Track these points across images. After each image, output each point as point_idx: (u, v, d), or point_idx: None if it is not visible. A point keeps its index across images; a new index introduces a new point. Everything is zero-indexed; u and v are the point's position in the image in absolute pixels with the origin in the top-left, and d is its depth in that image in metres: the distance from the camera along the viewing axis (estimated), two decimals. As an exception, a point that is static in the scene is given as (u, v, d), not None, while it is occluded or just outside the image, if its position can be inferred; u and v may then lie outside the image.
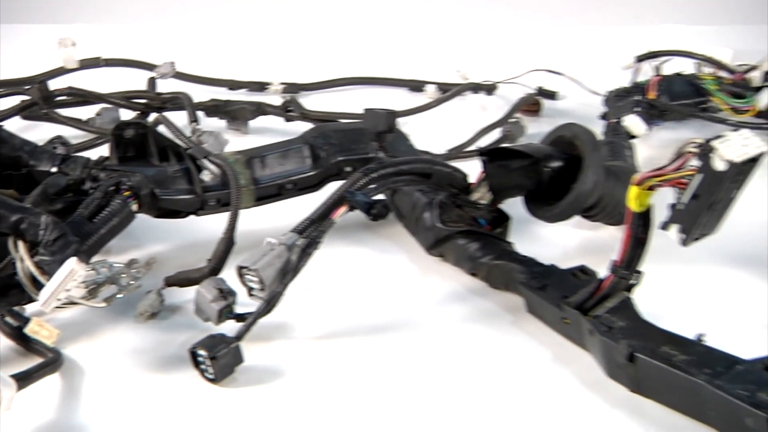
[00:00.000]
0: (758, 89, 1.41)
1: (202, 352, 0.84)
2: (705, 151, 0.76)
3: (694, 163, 0.77)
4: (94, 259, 0.92)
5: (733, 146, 0.75)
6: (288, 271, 0.88)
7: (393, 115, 1.15)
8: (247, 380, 0.86)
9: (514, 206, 1.06)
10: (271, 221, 1.05)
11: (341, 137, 1.13)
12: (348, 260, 1.08)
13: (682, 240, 0.80)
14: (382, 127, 1.13)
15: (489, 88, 1.61)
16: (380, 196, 1.00)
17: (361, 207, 0.92)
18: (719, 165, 0.75)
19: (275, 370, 0.88)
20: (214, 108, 1.46)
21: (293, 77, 1.65)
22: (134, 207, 0.99)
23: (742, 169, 0.76)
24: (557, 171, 1.02)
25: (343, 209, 0.92)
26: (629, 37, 1.59)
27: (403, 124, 1.38)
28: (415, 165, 1.00)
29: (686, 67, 1.47)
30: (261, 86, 1.62)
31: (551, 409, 0.83)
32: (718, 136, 0.76)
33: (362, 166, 1.00)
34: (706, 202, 0.78)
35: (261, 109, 1.46)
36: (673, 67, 1.46)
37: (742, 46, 1.60)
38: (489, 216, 1.04)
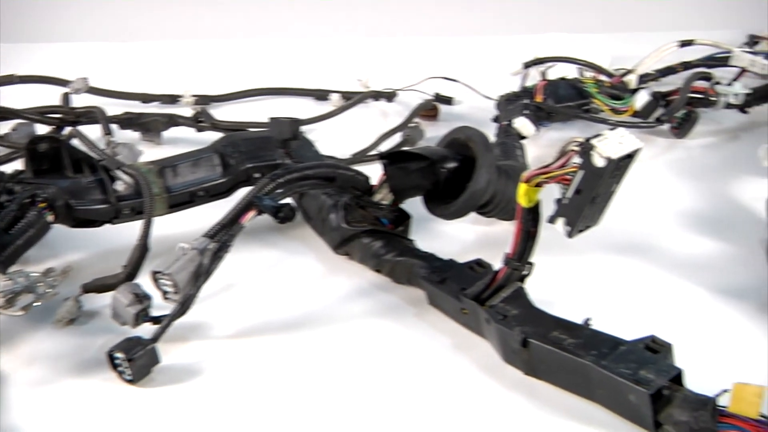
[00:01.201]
0: (634, 91, 1.45)
1: (119, 354, 0.83)
2: (585, 149, 0.77)
3: (576, 160, 0.78)
4: (12, 269, 0.90)
5: (611, 144, 0.76)
6: (200, 274, 0.87)
7: (297, 122, 1.14)
8: (164, 380, 0.85)
9: (414, 206, 1.06)
10: (185, 227, 1.03)
11: (249, 145, 1.12)
12: (259, 261, 1.07)
13: (567, 232, 0.82)
14: (287, 134, 1.12)
15: (389, 96, 1.61)
16: (288, 200, 1.00)
17: (268, 211, 0.91)
18: (598, 162, 0.76)
19: (192, 369, 0.87)
20: (127, 121, 1.43)
21: (204, 90, 1.62)
22: (50, 218, 0.97)
23: (620, 165, 0.77)
24: (453, 171, 1.03)
25: (251, 214, 0.91)
26: (517, 46, 1.61)
27: (310, 131, 1.39)
28: (319, 170, 1.00)
29: (569, 72, 1.49)
30: (173, 99, 1.59)
31: (452, 394, 0.84)
32: (597, 135, 0.77)
33: (270, 172, 0.99)
34: (588, 196, 0.79)
35: (173, 121, 1.44)
36: (557, 72, 1.47)
37: (619, 52, 1.64)
38: (391, 215, 1.04)
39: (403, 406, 0.82)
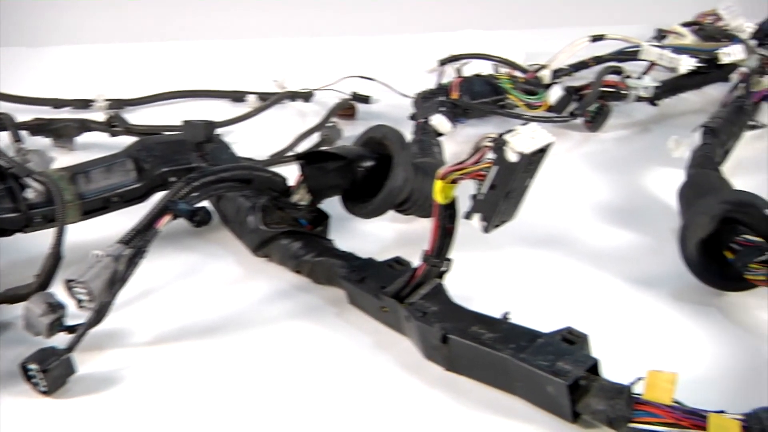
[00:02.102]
0: (548, 86, 1.46)
1: (32, 365, 0.81)
2: (498, 144, 0.77)
3: (490, 156, 0.79)
4: None
5: (523, 139, 0.77)
6: (116, 281, 0.85)
7: (211, 125, 1.13)
8: (81, 390, 0.83)
9: (332, 205, 1.06)
10: (99, 234, 1.01)
11: (164, 149, 1.10)
12: (177, 266, 1.06)
13: (484, 227, 0.82)
14: (201, 137, 1.11)
15: (306, 96, 1.60)
16: (205, 203, 0.99)
17: (183, 215, 0.90)
18: (511, 157, 0.76)
19: (110, 377, 0.85)
20: (38, 127, 1.39)
21: (117, 93, 1.59)
22: (-43, 229, 0.94)
23: (533, 159, 0.78)
24: (370, 170, 1.03)
25: (167, 218, 0.90)
26: (433, 43, 1.61)
27: (227, 134, 1.38)
28: (235, 172, 0.99)
29: (485, 68, 1.50)
30: (85, 103, 1.56)
31: (374, 393, 0.83)
32: (510, 131, 0.78)
33: (186, 176, 0.98)
34: (503, 191, 0.79)
35: (86, 126, 1.41)
36: (472, 69, 1.48)
37: (533, 48, 1.66)
38: (309, 216, 1.04)
39: (325, 407, 0.81)
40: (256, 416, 0.81)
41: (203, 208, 0.92)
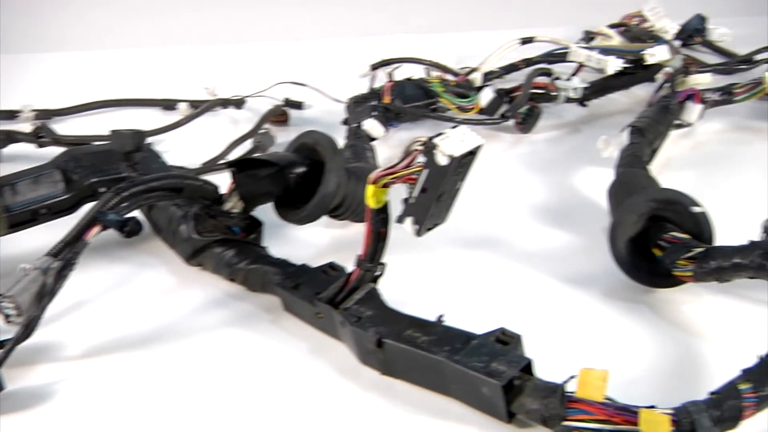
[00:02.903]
0: (479, 89, 1.47)
1: (-41, 383, 0.79)
2: (428, 148, 0.77)
3: (421, 159, 0.79)
4: None
5: (453, 142, 0.77)
6: (44, 295, 0.84)
7: (140, 134, 1.11)
8: (10, 407, 0.81)
9: (266, 212, 1.05)
10: (28, 247, 0.99)
11: (93, 159, 1.08)
12: (109, 277, 1.04)
13: (416, 231, 0.82)
14: (130, 147, 1.09)
15: (238, 103, 1.59)
16: (136, 213, 0.97)
17: (113, 225, 0.88)
18: (441, 160, 0.77)
19: (40, 393, 0.84)
20: (-39, 139, 1.37)
21: (44, 104, 1.56)
22: None
23: (463, 162, 0.78)
24: (302, 176, 1.02)
25: (96, 229, 0.88)
26: (365, 48, 1.61)
27: (159, 142, 1.36)
28: (165, 181, 0.98)
29: (416, 72, 1.50)
30: (11, 114, 1.53)
31: (310, 399, 0.83)
32: (439, 134, 0.78)
33: (115, 186, 0.97)
34: (434, 194, 0.79)
35: (12, 138, 1.38)
36: (404, 72, 1.49)
37: (463, 51, 1.66)
38: (242, 223, 1.03)
39: (262, 414, 0.81)
40: (194, 426, 0.80)
41: (133, 218, 0.90)
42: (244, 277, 0.99)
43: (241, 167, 1.03)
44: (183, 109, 1.58)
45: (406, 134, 1.43)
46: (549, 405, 0.72)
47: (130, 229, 0.89)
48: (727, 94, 1.39)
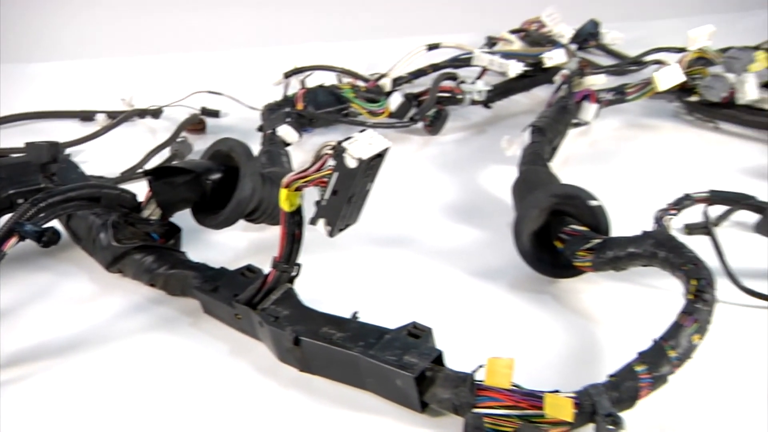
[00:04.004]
0: (389, 94, 1.48)
1: None
2: (338, 152, 0.77)
3: (331, 163, 0.78)
4: None
5: (361, 145, 0.77)
6: (-37, 307, 0.81)
7: (55, 146, 1.09)
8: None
9: (184, 218, 1.03)
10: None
11: (9, 171, 1.05)
12: (30, 287, 1.01)
13: (328, 232, 0.82)
14: (46, 158, 1.07)
15: (155, 113, 1.56)
16: (54, 223, 0.95)
17: (30, 236, 0.86)
18: (350, 163, 0.76)
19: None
20: None
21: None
22: None
23: (371, 164, 0.78)
24: (218, 182, 1.01)
25: (13, 240, 0.86)
26: (278, 57, 1.60)
27: (79, 153, 1.33)
28: (82, 191, 0.95)
29: (328, 79, 1.50)
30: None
31: (231, 398, 0.82)
32: (348, 138, 0.78)
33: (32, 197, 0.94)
34: (345, 196, 0.79)
35: (-72, 153, 1.34)
36: (316, 80, 1.48)
37: (373, 58, 1.66)
38: (161, 230, 1.01)
39: (185, 415, 0.80)
40: (118, 430, 0.78)
41: (51, 228, 0.88)
42: (164, 281, 0.97)
43: (157, 175, 1.01)
44: (101, 120, 1.55)
45: (319, 139, 1.43)
46: (459, 394, 0.73)
47: (47, 239, 0.86)
48: (620, 94, 1.41)
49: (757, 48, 1.40)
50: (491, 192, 1.24)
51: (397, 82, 1.56)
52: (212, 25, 2.17)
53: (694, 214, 1.01)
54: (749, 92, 1.35)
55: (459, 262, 1.04)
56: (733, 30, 1.74)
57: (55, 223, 1.02)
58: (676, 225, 1.01)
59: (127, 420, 0.79)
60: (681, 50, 1.48)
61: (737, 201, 0.99)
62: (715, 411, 0.77)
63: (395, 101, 1.45)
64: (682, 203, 0.99)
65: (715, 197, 0.99)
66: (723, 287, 0.87)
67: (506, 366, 0.73)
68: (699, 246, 0.86)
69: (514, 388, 0.72)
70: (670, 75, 1.36)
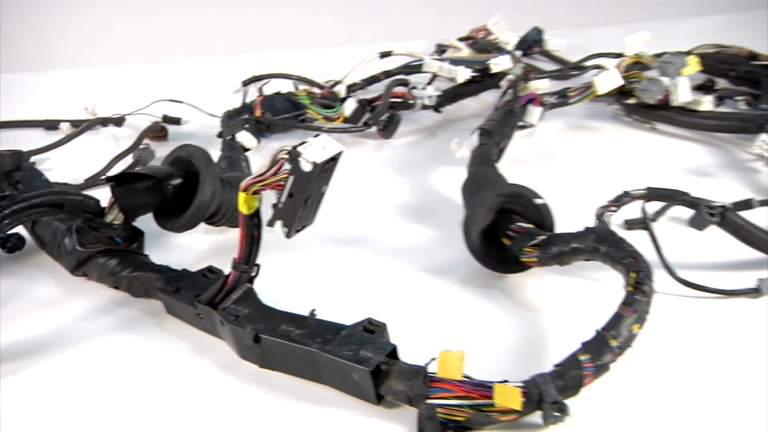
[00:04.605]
0: (343, 100, 1.47)
1: None
2: (293, 156, 0.77)
3: (287, 167, 0.78)
4: None
5: (315, 149, 0.77)
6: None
7: (18, 154, 1.07)
8: None
9: (147, 222, 1.02)
10: None
11: (-26, 180, 1.04)
12: (-4, 293, 1.00)
13: (286, 233, 0.81)
14: (9, 166, 1.05)
15: (117, 121, 1.54)
16: (19, 229, 0.93)
17: (-6, 242, 0.85)
18: (305, 166, 0.76)
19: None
20: None
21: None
22: None
23: (325, 168, 0.78)
24: (179, 187, 1.00)
25: (-22, 247, 0.85)
26: (237, 65, 1.59)
27: (44, 161, 1.31)
28: (46, 197, 0.93)
29: (285, 86, 1.49)
30: None
31: (194, 395, 0.81)
32: (303, 143, 0.77)
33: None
34: (301, 198, 0.79)
35: None
36: (273, 87, 1.47)
37: (328, 66, 1.66)
38: (124, 234, 1.00)
39: (149, 412, 0.79)
40: (84, 429, 0.77)
41: (16, 234, 0.86)
42: (128, 284, 0.96)
43: (120, 181, 1.00)
44: (65, 129, 1.53)
45: (277, 144, 1.41)
46: (413, 386, 0.73)
47: (12, 245, 0.85)
48: (562, 97, 1.42)
49: (689, 53, 1.42)
50: (442, 192, 1.24)
51: (352, 88, 1.56)
52: (172, 36, 2.15)
53: (633, 210, 1.02)
54: (682, 95, 1.37)
55: (412, 259, 1.04)
56: (667, 36, 1.76)
57: (20, 230, 1.01)
58: (616, 221, 1.02)
59: (93, 419, 0.78)
60: (619, 56, 1.49)
61: (673, 197, 1.00)
62: (655, 395, 0.78)
63: (350, 107, 1.45)
64: (621, 200, 1.00)
65: (652, 194, 1.00)
66: (660, 279, 0.87)
67: (457, 358, 0.73)
68: (638, 240, 0.87)
69: (465, 379, 0.72)
70: (609, 79, 1.37)
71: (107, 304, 0.97)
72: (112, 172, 1.29)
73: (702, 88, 1.53)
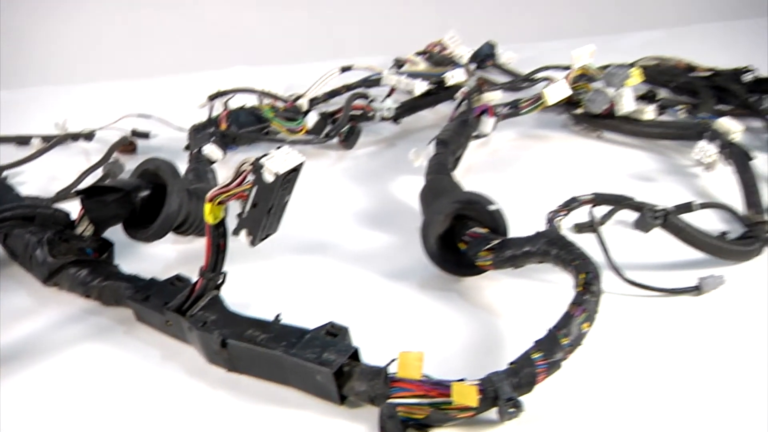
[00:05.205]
0: (306, 113, 1.47)
1: None
2: (256, 167, 0.77)
3: (250, 178, 0.78)
4: None
5: (277, 161, 0.76)
6: None
7: (-11, 169, 1.06)
8: None
9: (117, 233, 1.01)
10: None
11: (-55, 194, 1.02)
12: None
13: (250, 241, 0.81)
14: (-19, 181, 1.03)
15: (87, 136, 1.52)
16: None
17: (-34, 255, 0.83)
18: (268, 177, 0.76)
19: None
20: None
21: None
22: None
23: (288, 178, 0.78)
24: (147, 199, 0.99)
25: (-50, 260, 0.83)
26: (204, 81, 1.58)
27: (16, 175, 1.29)
28: (17, 210, 0.93)
29: (249, 100, 1.48)
30: None
31: (165, 399, 0.80)
32: (266, 154, 0.77)
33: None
34: (264, 208, 0.78)
35: None
36: (238, 101, 1.47)
37: (291, 80, 1.65)
38: (94, 245, 0.99)
39: (120, 418, 0.78)
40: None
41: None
42: (99, 293, 0.95)
43: (89, 194, 0.99)
44: (36, 144, 1.50)
45: (243, 156, 1.38)
46: (375, 386, 0.73)
47: (-19, 258, 0.83)
48: (514, 108, 1.42)
49: (632, 65, 1.43)
50: (401, 200, 1.24)
51: (314, 101, 1.55)
52: (141, 54, 2.13)
53: (581, 214, 1.02)
54: (626, 105, 1.38)
55: (372, 265, 1.04)
56: (612, 49, 1.77)
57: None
58: (566, 225, 1.02)
59: (65, 427, 0.77)
60: (567, 68, 1.49)
61: (618, 202, 1.01)
62: (603, 391, 0.78)
63: (312, 119, 1.44)
64: (570, 205, 1.01)
65: (598, 199, 1.01)
66: (608, 279, 0.88)
67: (416, 359, 0.72)
68: (586, 243, 0.88)
69: (424, 378, 0.72)
70: (558, 90, 1.38)
71: (78, 313, 0.96)
72: (83, 186, 1.28)
73: (644, 98, 1.54)
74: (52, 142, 1.46)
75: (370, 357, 0.77)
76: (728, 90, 1.54)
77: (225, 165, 1.34)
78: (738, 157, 1.19)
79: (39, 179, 1.36)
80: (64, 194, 1.25)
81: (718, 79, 1.58)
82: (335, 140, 1.46)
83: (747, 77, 1.57)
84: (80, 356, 0.88)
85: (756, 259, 1.00)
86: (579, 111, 1.47)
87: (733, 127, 1.28)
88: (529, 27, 2.30)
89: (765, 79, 1.56)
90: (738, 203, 1.10)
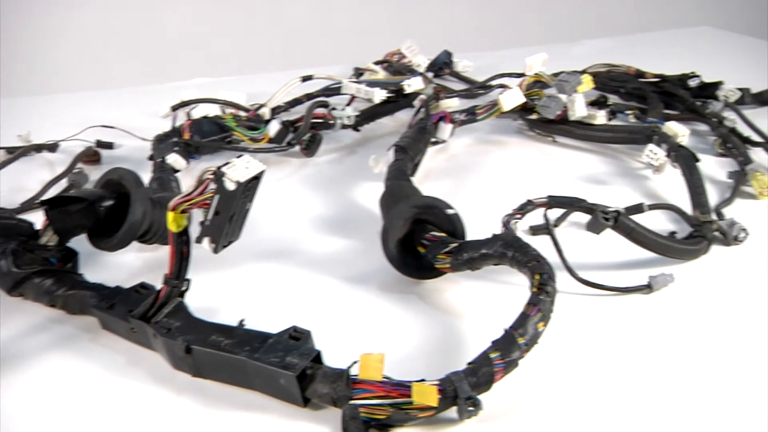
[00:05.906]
0: (268, 121, 1.46)
1: None
2: (218, 176, 0.76)
3: (212, 186, 0.77)
4: None
5: (238, 169, 0.76)
6: None
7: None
8: None
9: (81, 243, 0.99)
10: None
11: None
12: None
13: (213, 249, 0.80)
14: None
15: (51, 147, 1.50)
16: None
17: (-71, 267, 0.81)
18: (229, 185, 0.75)
19: None
20: None
21: None
22: None
23: (249, 186, 0.77)
24: (111, 208, 0.98)
25: None
26: (167, 92, 1.56)
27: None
28: (-20, 222, 0.91)
29: (212, 110, 1.47)
30: None
31: (130, 405, 0.79)
32: (227, 163, 0.77)
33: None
34: (226, 216, 0.78)
35: None
36: (201, 111, 1.46)
37: (253, 90, 1.64)
38: (59, 255, 0.97)
39: (86, 426, 0.77)
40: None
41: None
42: (64, 302, 0.93)
43: (53, 204, 0.98)
44: (0, 156, 1.48)
45: (206, 165, 1.36)
46: (337, 388, 0.72)
47: (-54, 270, 0.82)
48: (471, 115, 1.43)
49: (583, 72, 1.44)
50: (362, 205, 1.24)
51: (275, 110, 1.55)
52: (103, 66, 2.11)
53: (536, 217, 1.03)
54: (578, 110, 1.39)
55: (333, 269, 1.04)
56: (563, 57, 1.79)
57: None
58: (521, 227, 1.03)
59: (30, 434, 0.76)
60: (521, 75, 1.51)
61: (572, 204, 1.02)
62: (559, 388, 0.79)
63: (274, 128, 1.43)
64: (525, 208, 1.02)
65: (552, 202, 1.02)
66: (563, 279, 0.89)
67: (377, 360, 0.72)
68: (541, 245, 0.89)
69: (385, 379, 0.72)
70: (512, 97, 1.39)
71: (44, 322, 0.94)
72: (47, 196, 1.26)
73: (596, 103, 1.56)
74: (15, 153, 1.43)
75: (333, 360, 0.76)
76: (675, 95, 1.56)
77: (188, 174, 1.33)
78: (685, 159, 1.21)
79: (3, 190, 1.34)
80: (28, 205, 1.23)
81: (666, 85, 1.60)
82: (297, 148, 1.45)
83: (692, 83, 1.60)
84: (45, 364, 0.86)
85: (703, 258, 1.02)
86: (533, 117, 1.48)
87: (680, 130, 1.30)
88: (485, 36, 2.32)
89: (709, 85, 1.59)
90: (686, 204, 1.11)
